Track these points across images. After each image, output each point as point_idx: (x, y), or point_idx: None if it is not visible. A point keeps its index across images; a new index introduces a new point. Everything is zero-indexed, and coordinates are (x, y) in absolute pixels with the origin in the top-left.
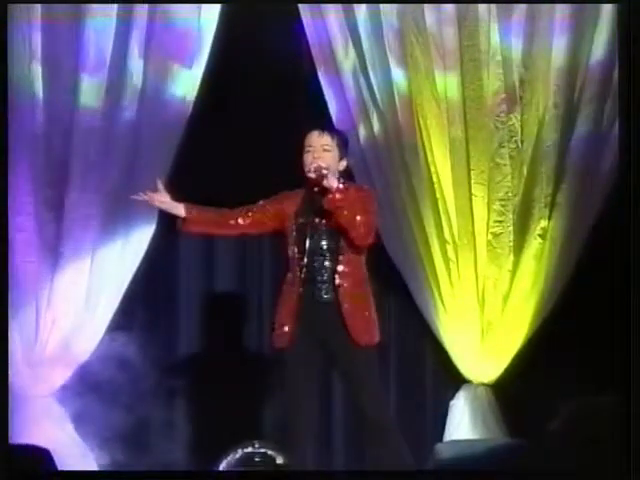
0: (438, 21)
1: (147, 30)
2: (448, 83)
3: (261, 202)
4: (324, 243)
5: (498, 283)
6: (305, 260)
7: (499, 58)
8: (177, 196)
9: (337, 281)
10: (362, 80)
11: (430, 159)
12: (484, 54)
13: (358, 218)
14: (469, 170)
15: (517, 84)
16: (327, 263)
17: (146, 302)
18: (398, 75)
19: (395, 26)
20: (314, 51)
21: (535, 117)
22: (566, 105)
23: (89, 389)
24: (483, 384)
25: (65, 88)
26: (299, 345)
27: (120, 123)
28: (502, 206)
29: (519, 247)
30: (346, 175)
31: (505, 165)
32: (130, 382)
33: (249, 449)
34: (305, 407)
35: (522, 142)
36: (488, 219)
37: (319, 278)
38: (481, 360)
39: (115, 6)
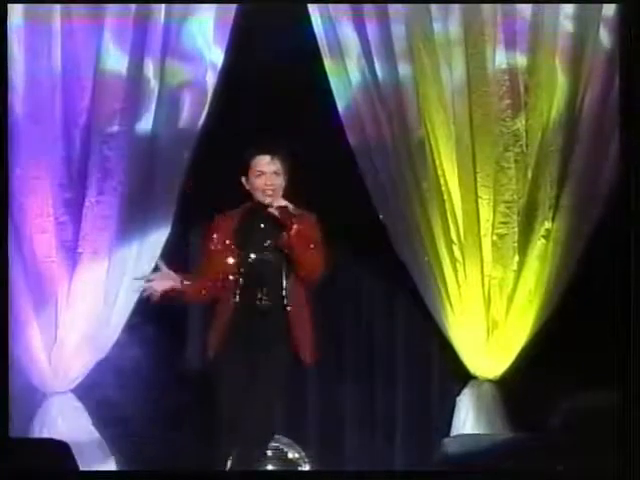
0: (445, 28)
1: (163, 34)
2: (455, 89)
3: (204, 265)
4: (267, 262)
5: (503, 283)
6: (245, 277)
7: (504, 65)
8: (192, 201)
9: (284, 299)
10: (371, 86)
11: (437, 162)
12: (489, 61)
13: (309, 255)
14: (475, 173)
15: (522, 90)
16: (270, 281)
17: (162, 301)
18: (406, 80)
19: (403, 32)
20: (324, 56)
21: (539, 122)
22: (569, 110)
23: (107, 385)
24: (489, 380)
25: (83, 92)
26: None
27: (137, 127)
28: (507, 208)
29: (523, 248)
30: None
31: (510, 168)
32: (148, 378)
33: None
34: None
35: (527, 146)
36: (493, 221)
37: (261, 295)
38: (487, 357)
39: (133, 7)
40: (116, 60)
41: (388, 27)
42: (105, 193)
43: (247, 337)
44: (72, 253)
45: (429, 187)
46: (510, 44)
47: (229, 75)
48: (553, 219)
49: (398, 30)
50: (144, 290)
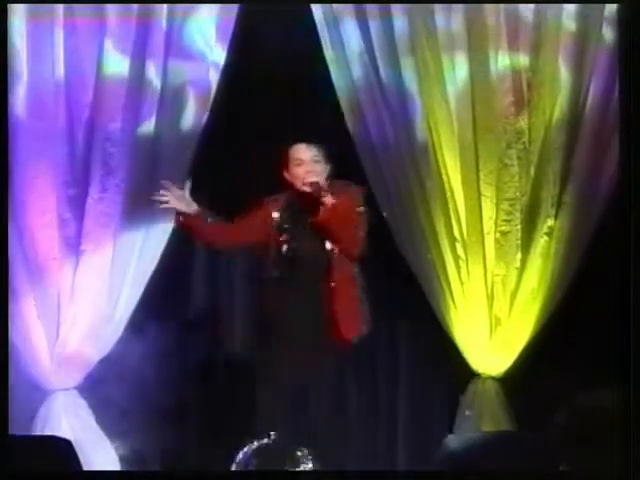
0: (447, 25)
1: (166, 33)
2: (457, 86)
3: (245, 220)
4: (307, 246)
5: (506, 280)
6: (286, 261)
7: (507, 63)
8: (196, 197)
9: (327, 281)
10: (374, 84)
11: (440, 160)
12: (492, 59)
13: (348, 233)
14: (478, 170)
15: (525, 88)
16: (312, 265)
17: (165, 297)
18: (409, 78)
19: (405, 30)
20: (327, 54)
21: (542, 120)
22: (572, 108)
23: (110, 382)
24: (492, 377)
25: (86, 89)
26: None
27: (140, 125)
28: (510, 205)
29: (526, 245)
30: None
31: (513, 166)
32: (151, 375)
33: (265, 441)
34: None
35: (530, 144)
36: (496, 218)
37: (304, 278)
38: (490, 354)
39: (135, 7)
40: (118, 58)
41: (391, 24)
42: (108, 190)
43: (289, 320)
44: (75, 250)
45: (432, 185)
46: (513, 42)
47: (232, 74)
48: (556, 217)
49: (401, 27)
50: (160, 202)
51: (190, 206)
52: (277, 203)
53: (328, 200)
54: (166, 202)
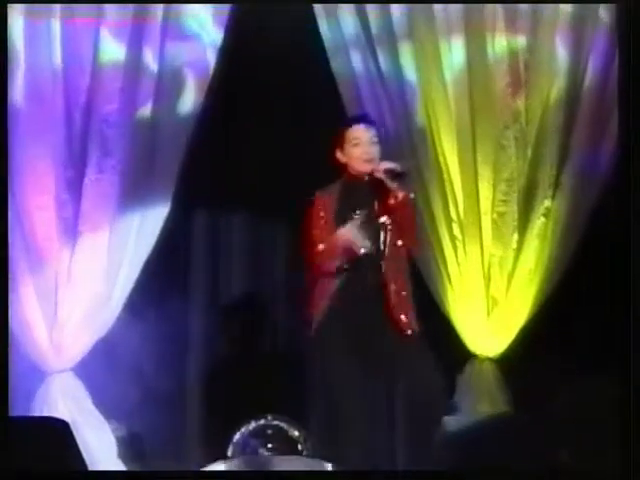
0: (445, 7)
1: (163, 18)
2: (454, 68)
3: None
4: (367, 234)
5: (503, 261)
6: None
7: (504, 43)
8: (188, 185)
9: (383, 268)
10: (372, 68)
11: (437, 141)
12: (490, 40)
13: (413, 225)
14: (475, 152)
15: (522, 69)
16: (370, 254)
17: (162, 278)
18: (406, 61)
19: (403, 14)
20: (324, 37)
21: (539, 100)
22: (569, 89)
23: (108, 363)
24: (489, 358)
25: (83, 72)
26: (336, 329)
27: (137, 106)
28: (507, 186)
29: (523, 226)
30: None
31: (510, 147)
32: (148, 356)
33: (262, 421)
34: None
35: (527, 124)
36: (493, 199)
37: (361, 266)
38: (487, 335)
39: (131, 7)
40: (115, 44)
41: (388, 11)
42: (105, 172)
43: (350, 313)
44: (72, 231)
45: (429, 166)
46: (510, 23)
47: (229, 58)
48: (553, 197)
49: (398, 12)
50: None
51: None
52: (331, 194)
53: (398, 188)
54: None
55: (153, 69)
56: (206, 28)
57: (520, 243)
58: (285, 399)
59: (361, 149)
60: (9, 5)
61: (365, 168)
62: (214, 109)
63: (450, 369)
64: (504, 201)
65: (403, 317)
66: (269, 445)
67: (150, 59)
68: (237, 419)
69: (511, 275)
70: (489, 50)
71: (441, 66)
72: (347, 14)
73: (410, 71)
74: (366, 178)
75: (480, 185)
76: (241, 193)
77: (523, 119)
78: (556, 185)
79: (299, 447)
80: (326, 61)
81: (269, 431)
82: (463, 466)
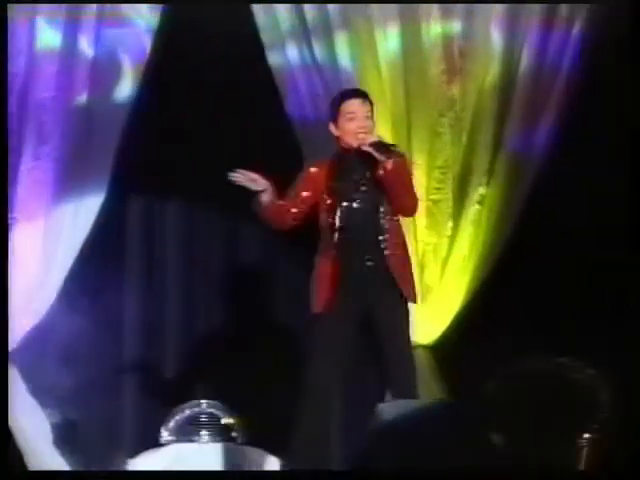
0: None
1: (97, 14)
2: (390, 55)
3: (293, 190)
4: (362, 208)
5: (437, 248)
6: (339, 224)
7: (439, 30)
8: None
9: (382, 243)
10: (308, 58)
11: None
12: (424, 27)
13: (408, 188)
14: (410, 139)
15: (457, 55)
16: (366, 226)
17: (98, 266)
18: (341, 48)
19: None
20: (260, 28)
21: (474, 87)
22: (504, 75)
23: (43, 350)
24: (422, 346)
25: (18, 57)
26: (341, 310)
27: (73, 93)
28: (442, 173)
29: (458, 214)
30: None
31: (445, 134)
32: (83, 343)
33: (196, 409)
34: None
35: (462, 111)
36: (428, 186)
37: (359, 241)
38: (421, 323)
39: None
40: (51, 27)
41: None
42: (41, 158)
43: (351, 290)
44: (8, 218)
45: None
46: (445, 9)
47: (164, 43)
48: (488, 184)
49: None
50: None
51: (267, 185)
52: (324, 165)
53: (389, 158)
54: (255, 185)
55: (88, 55)
56: (142, 15)
57: (454, 230)
58: (220, 386)
59: (356, 123)
60: (9, 5)
61: (357, 143)
62: (149, 96)
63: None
64: (438, 188)
65: (407, 291)
66: (202, 432)
67: (85, 45)
68: (171, 406)
69: (445, 262)
70: (424, 37)
71: (376, 54)
72: (282, 5)
73: (345, 59)
74: (359, 149)
75: (415, 172)
76: (176, 180)
77: (458, 106)
78: (490, 172)
79: (233, 434)
80: (261, 49)
81: (203, 418)
82: (397, 453)
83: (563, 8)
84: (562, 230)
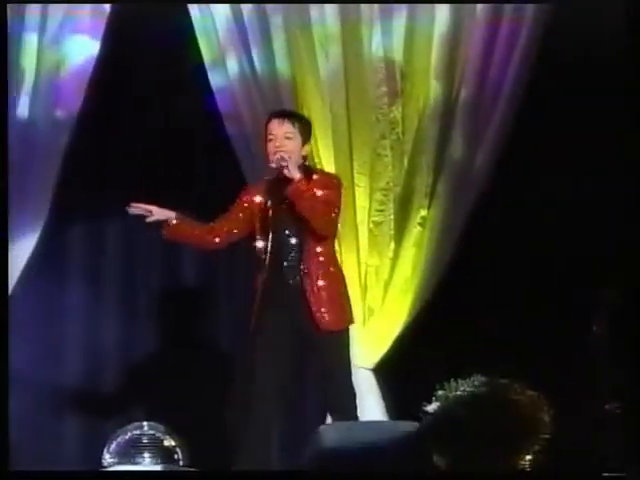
0: (321, 16)
1: (39, 28)
2: (330, 76)
3: (226, 213)
4: (288, 231)
5: (379, 270)
6: (269, 247)
7: (381, 53)
8: (70, 185)
9: (302, 266)
10: (248, 75)
11: (314, 149)
12: (366, 49)
13: (318, 210)
14: (352, 160)
15: (398, 77)
16: (292, 249)
17: (38, 286)
18: (282, 67)
19: (280, 22)
20: (202, 45)
21: (415, 110)
22: (445, 97)
23: None
24: (364, 368)
25: None
26: (267, 329)
27: (13, 112)
28: (383, 195)
29: (400, 235)
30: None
31: (387, 156)
32: (24, 366)
33: (137, 431)
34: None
35: (403, 134)
36: (370, 208)
37: (285, 264)
38: (363, 345)
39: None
40: None
41: (266, 19)
42: None
43: (276, 311)
44: None
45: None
46: (386, 32)
47: (107, 58)
48: (429, 206)
49: (276, 22)
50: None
51: (170, 215)
52: (259, 187)
53: (295, 174)
54: (150, 216)
55: (30, 70)
56: (84, 34)
57: (396, 252)
58: (163, 407)
59: (273, 144)
60: (9, 5)
61: (273, 165)
62: (93, 111)
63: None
64: (380, 210)
65: (322, 310)
66: (145, 454)
67: (26, 61)
68: (113, 427)
69: (387, 284)
70: (365, 58)
71: (317, 75)
72: (224, 21)
73: (286, 75)
74: (280, 176)
75: (357, 194)
76: (119, 197)
77: (400, 129)
78: (432, 194)
79: (175, 456)
80: (203, 67)
81: (145, 440)
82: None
83: (505, 26)
84: (503, 251)
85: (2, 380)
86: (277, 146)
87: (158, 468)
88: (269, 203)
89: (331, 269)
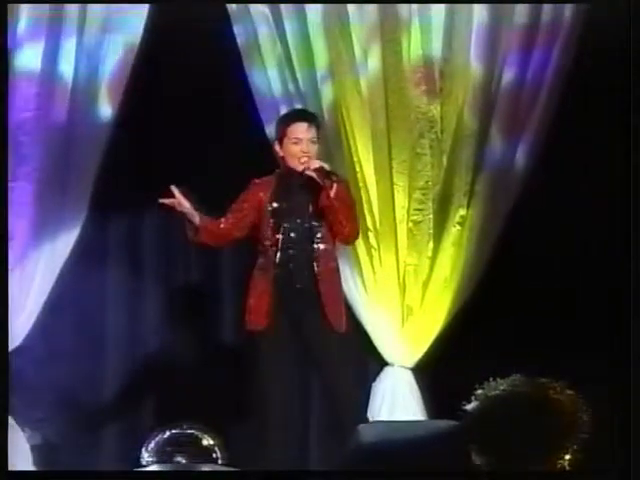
0: (360, 16)
1: (77, 32)
2: (370, 76)
3: (234, 205)
4: (300, 229)
5: (418, 269)
6: (280, 244)
7: (420, 51)
8: (107, 186)
9: (315, 268)
10: (287, 75)
11: (353, 149)
12: (405, 47)
13: (353, 213)
14: (390, 160)
15: (437, 76)
16: (303, 249)
17: (78, 286)
18: (322, 69)
19: (319, 21)
20: (242, 49)
21: (454, 108)
22: (484, 96)
23: (21, 371)
24: (404, 367)
25: None
26: (276, 328)
27: (53, 113)
28: (422, 195)
29: (438, 235)
30: None
31: (425, 155)
32: (62, 364)
33: (176, 430)
34: (281, 394)
35: (442, 132)
36: (409, 207)
37: (294, 264)
38: (402, 344)
39: (47, 7)
40: (31, 49)
41: (304, 17)
42: (20, 179)
43: (284, 310)
44: None
45: (344, 174)
46: (426, 31)
47: (145, 60)
48: (468, 206)
49: (314, 20)
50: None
51: (194, 216)
52: (268, 184)
53: (335, 185)
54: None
55: (69, 73)
56: (123, 30)
57: (435, 251)
58: (202, 405)
59: (299, 148)
60: (9, 5)
61: (300, 168)
62: (130, 113)
63: (365, 378)
64: (419, 210)
65: (334, 317)
66: (183, 453)
67: (65, 63)
68: (152, 427)
69: (426, 283)
70: (404, 58)
71: (357, 74)
72: (265, 25)
73: (325, 76)
74: (302, 175)
75: (396, 193)
76: (157, 197)
77: (438, 127)
78: (471, 193)
79: (213, 455)
80: (241, 65)
81: (183, 439)
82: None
83: (543, 24)
84: (543, 250)
85: (2, 380)
86: (304, 151)
87: (197, 467)
88: (278, 201)
89: (335, 269)
